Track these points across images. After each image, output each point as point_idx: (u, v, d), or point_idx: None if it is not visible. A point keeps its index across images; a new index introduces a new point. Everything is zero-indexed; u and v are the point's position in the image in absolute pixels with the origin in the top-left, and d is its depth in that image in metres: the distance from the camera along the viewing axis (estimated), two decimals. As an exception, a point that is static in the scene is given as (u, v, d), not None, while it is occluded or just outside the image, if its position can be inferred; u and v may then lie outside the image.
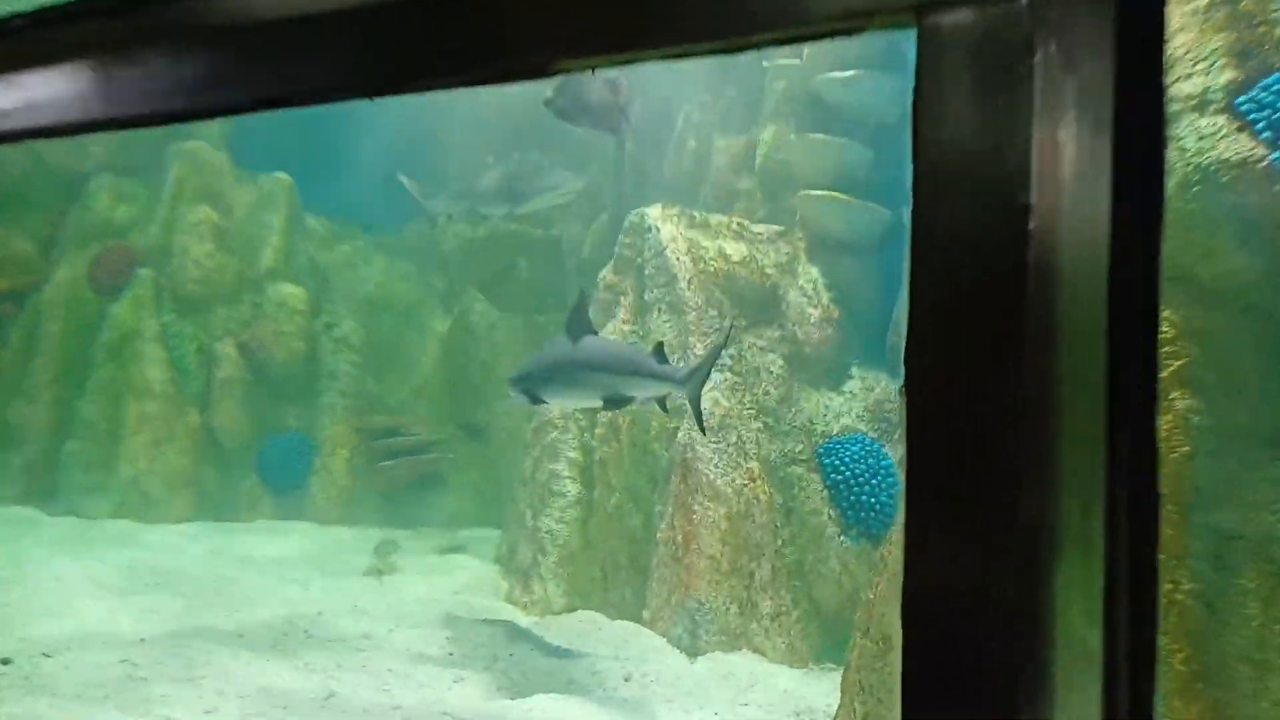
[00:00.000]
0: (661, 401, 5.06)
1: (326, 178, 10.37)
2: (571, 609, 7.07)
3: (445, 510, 9.95)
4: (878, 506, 6.73)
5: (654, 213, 7.55)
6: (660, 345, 5.13)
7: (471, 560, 8.46)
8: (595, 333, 5.44)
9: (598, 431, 7.29)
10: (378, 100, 0.77)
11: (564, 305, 10.97)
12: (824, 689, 5.73)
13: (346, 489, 9.65)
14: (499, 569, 8.30)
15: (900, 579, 0.63)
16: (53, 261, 9.80)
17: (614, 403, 4.98)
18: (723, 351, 5.74)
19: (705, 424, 5.44)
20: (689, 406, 5.06)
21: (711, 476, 6.50)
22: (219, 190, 10.23)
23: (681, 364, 5.89)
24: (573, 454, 7.40)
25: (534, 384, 5.23)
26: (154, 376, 9.40)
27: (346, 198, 10.56)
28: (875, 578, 4.64)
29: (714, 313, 7.07)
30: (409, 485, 9.86)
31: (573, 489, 7.34)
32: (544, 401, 5.34)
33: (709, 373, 5.03)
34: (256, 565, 7.94)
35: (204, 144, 10.27)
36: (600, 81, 5.63)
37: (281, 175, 10.40)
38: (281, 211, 10.30)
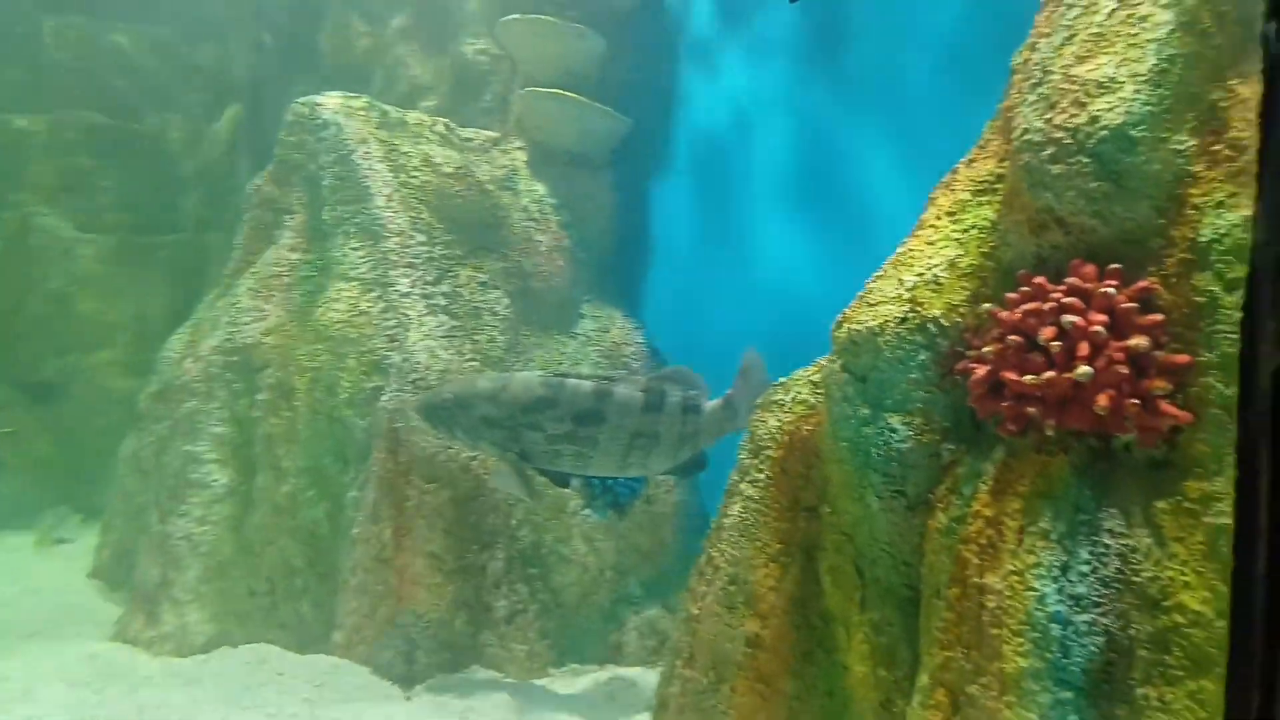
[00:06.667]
0: None
1: None
2: (224, 642, 5.13)
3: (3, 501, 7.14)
4: (624, 473, 5.67)
5: (331, 104, 5.62)
6: None
7: (52, 573, 5.99)
8: None
9: (260, 397, 5.29)
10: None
11: (176, 225, 8.39)
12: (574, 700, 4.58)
13: None
14: (99, 587, 5.97)
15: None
16: None
17: None
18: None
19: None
20: None
21: (430, 450, 4.94)
22: None
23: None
24: (220, 428, 5.33)
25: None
26: None
27: None
28: (699, 586, 3.52)
29: (422, 238, 5.41)
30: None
31: (221, 477, 5.29)
32: None
33: None
34: None
35: None
36: None
37: None
38: None
